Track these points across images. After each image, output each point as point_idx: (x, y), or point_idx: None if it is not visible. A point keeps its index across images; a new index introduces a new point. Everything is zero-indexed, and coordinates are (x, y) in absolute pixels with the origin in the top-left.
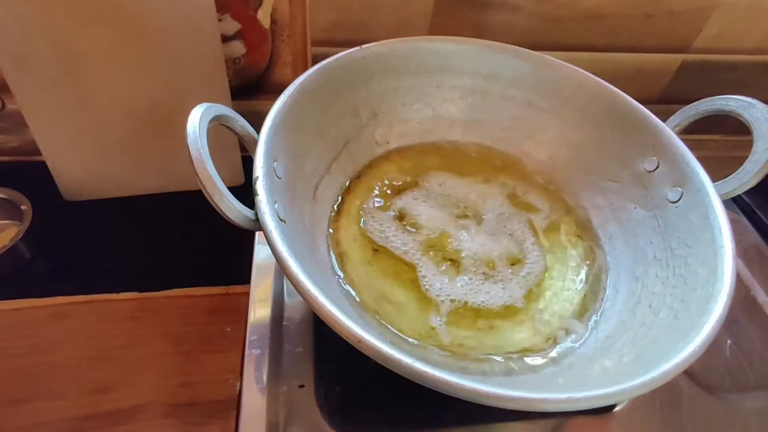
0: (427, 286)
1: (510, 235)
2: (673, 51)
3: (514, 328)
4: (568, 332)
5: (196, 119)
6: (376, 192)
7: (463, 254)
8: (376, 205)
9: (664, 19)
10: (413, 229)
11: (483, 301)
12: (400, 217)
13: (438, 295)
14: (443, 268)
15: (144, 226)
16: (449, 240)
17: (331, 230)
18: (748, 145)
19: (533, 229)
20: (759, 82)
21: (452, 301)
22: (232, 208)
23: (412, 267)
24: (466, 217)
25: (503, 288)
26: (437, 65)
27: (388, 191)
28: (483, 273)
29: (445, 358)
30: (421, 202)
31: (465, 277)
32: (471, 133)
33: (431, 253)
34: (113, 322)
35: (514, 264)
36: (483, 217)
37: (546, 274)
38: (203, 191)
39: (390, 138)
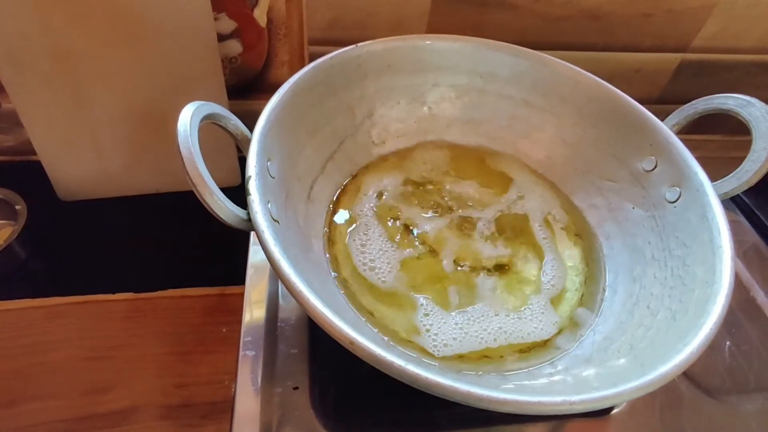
0: (428, 326)
1: (514, 239)
2: (672, 50)
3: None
4: (564, 332)
5: (187, 117)
6: (373, 195)
7: (475, 271)
8: (371, 210)
9: (663, 19)
10: (413, 247)
11: (496, 340)
12: (404, 228)
13: (436, 346)
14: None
15: (139, 226)
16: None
17: (326, 229)
18: (747, 146)
19: (548, 226)
20: (758, 82)
21: (460, 356)
22: (223, 207)
23: (413, 304)
24: (467, 223)
25: (521, 321)
26: (434, 64)
27: (385, 195)
28: (500, 306)
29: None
30: (420, 207)
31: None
32: (468, 133)
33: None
34: (108, 322)
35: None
36: (485, 221)
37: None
38: (194, 190)
39: (386, 137)
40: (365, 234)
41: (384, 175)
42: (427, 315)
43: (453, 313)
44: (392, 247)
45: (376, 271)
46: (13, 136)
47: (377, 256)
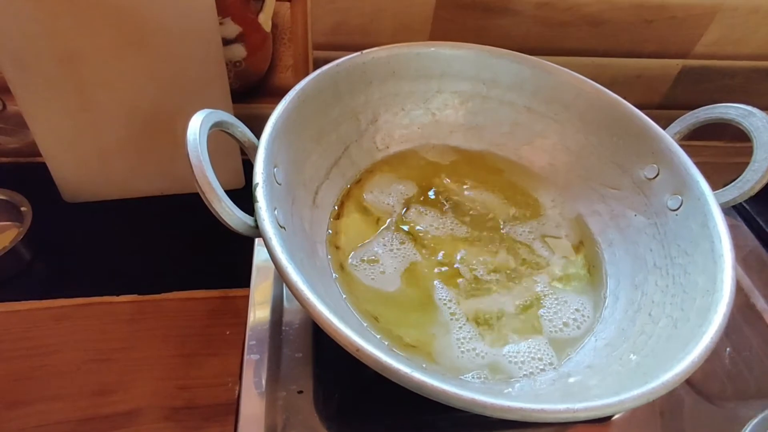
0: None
1: (515, 243)
2: (673, 56)
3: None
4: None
5: (197, 126)
6: (375, 199)
7: (478, 273)
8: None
9: (665, 25)
10: (425, 249)
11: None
12: (406, 232)
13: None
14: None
15: (144, 228)
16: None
17: (330, 231)
18: (748, 152)
19: (541, 238)
20: (759, 89)
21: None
22: (231, 215)
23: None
24: (467, 224)
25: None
26: (437, 70)
27: (387, 198)
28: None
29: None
30: (419, 211)
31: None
32: (471, 139)
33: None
34: (113, 324)
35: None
36: (486, 225)
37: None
38: (203, 198)
39: (390, 143)
40: (368, 238)
41: (386, 179)
42: (434, 323)
43: (456, 320)
44: (395, 250)
45: (380, 274)
46: (18, 138)
47: (380, 259)
